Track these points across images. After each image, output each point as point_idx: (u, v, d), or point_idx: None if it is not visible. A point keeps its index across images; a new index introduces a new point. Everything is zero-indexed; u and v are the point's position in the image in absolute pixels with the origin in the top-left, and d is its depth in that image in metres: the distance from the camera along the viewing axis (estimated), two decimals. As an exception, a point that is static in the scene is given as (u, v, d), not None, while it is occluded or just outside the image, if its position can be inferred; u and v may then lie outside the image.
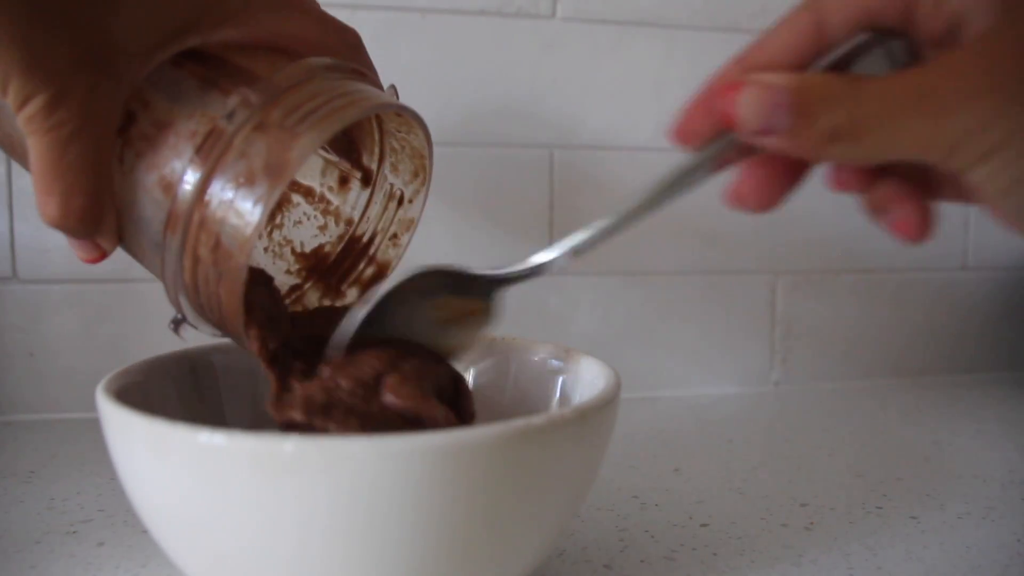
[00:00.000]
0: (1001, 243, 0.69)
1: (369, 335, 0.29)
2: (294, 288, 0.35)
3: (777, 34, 0.25)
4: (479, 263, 0.60)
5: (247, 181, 0.25)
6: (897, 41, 0.24)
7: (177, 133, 0.26)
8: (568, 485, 0.26)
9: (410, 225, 0.34)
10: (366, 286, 0.35)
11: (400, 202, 0.34)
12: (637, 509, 0.38)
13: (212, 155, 0.25)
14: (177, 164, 0.26)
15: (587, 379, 0.32)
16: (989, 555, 0.33)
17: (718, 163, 0.26)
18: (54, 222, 0.25)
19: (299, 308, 0.35)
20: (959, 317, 0.69)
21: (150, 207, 0.26)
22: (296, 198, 0.35)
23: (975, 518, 0.37)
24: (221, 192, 0.25)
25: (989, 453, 0.47)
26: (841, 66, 0.24)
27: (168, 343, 0.35)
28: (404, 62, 0.55)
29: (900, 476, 0.43)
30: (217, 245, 0.25)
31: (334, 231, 0.35)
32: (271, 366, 0.28)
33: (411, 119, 0.30)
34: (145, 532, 0.33)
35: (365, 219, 0.35)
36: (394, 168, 0.33)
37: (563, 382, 0.34)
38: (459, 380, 0.32)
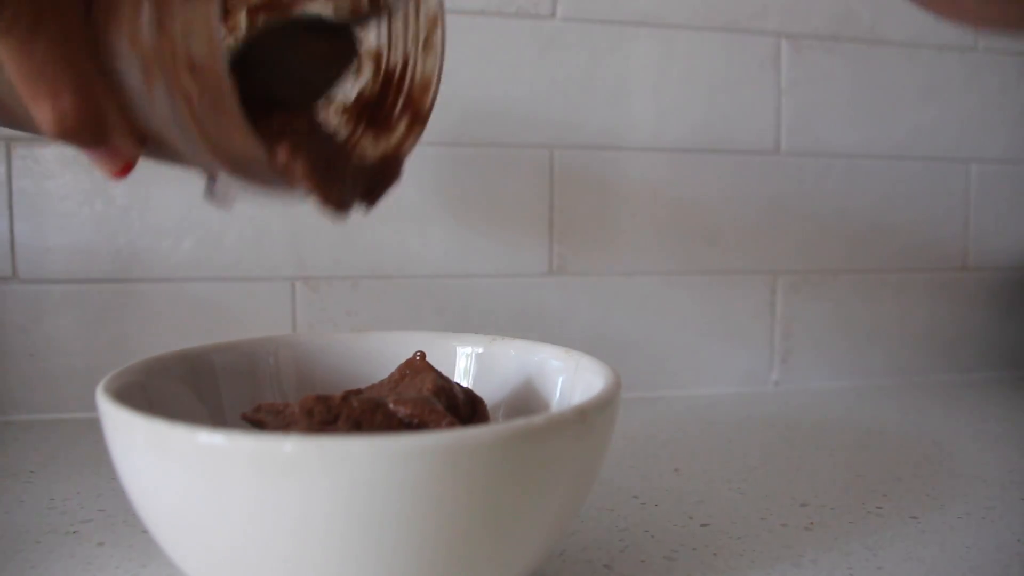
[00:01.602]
0: (1001, 243, 0.69)
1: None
2: (347, 138, 0.34)
3: None
4: (479, 265, 0.60)
5: None
6: None
7: None
8: (568, 485, 0.26)
9: (436, 21, 0.32)
10: (415, 110, 0.33)
11: (417, 1, 0.32)
12: (637, 509, 0.38)
13: None
14: (133, 11, 0.24)
15: (587, 379, 0.32)
16: (989, 555, 0.33)
17: None
18: (53, 128, 0.24)
19: (358, 151, 0.34)
20: (959, 317, 0.69)
21: (135, 74, 0.25)
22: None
23: (975, 518, 0.37)
24: (176, 12, 0.23)
25: (989, 453, 0.47)
26: None
27: (168, 343, 0.35)
28: (404, 62, 0.55)
29: (900, 476, 0.43)
30: (193, 67, 0.24)
31: (368, 71, 0.34)
32: (316, 184, 0.27)
33: None
34: (145, 532, 0.33)
35: (394, 39, 0.33)
36: None
37: (563, 382, 0.34)
38: (477, 402, 0.32)
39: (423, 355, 0.33)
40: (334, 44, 0.29)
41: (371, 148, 0.33)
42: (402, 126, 0.33)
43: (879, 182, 0.66)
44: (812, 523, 0.36)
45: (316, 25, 0.29)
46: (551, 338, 0.37)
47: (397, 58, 0.33)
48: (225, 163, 0.27)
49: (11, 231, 0.51)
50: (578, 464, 0.26)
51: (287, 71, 0.29)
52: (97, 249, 0.53)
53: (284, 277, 0.55)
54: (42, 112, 0.24)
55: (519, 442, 0.23)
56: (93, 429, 0.28)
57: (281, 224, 0.55)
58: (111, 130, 0.25)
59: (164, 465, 0.23)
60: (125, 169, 0.26)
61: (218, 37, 0.23)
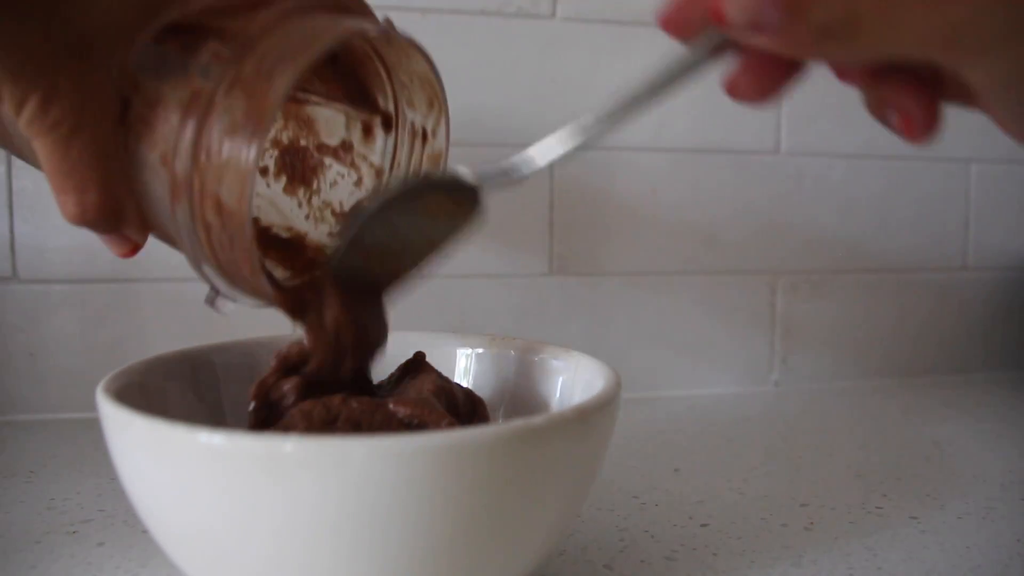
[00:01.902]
0: (1001, 243, 0.69)
1: (368, 238, 0.29)
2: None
3: None
4: (479, 265, 0.60)
5: (232, 135, 0.25)
6: None
7: (167, 106, 0.26)
8: (568, 485, 0.26)
9: (438, 159, 0.34)
10: None
11: (424, 138, 0.33)
12: (637, 509, 0.38)
13: (196, 117, 0.25)
14: (170, 135, 0.25)
15: (587, 379, 0.32)
16: (989, 555, 0.33)
17: (709, 57, 0.24)
18: (74, 219, 0.26)
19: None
20: (959, 317, 0.69)
21: (158, 186, 0.26)
22: (327, 160, 0.35)
23: (975, 518, 0.37)
24: (212, 152, 0.25)
25: (989, 453, 0.47)
26: None
27: (168, 343, 0.35)
28: (404, 62, 0.55)
29: (900, 476, 0.43)
30: (219, 206, 0.25)
31: (369, 185, 0.35)
32: (299, 317, 0.29)
33: (404, 44, 0.29)
34: (145, 532, 0.33)
35: (396, 164, 0.34)
36: (410, 103, 0.33)
37: (563, 382, 0.34)
38: (477, 402, 0.32)
39: (423, 355, 0.33)
40: (459, 201, 0.30)
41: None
42: None
43: (879, 182, 0.66)
44: (812, 523, 0.36)
45: (443, 184, 0.30)
46: (551, 338, 0.37)
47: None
48: (229, 282, 0.28)
49: (11, 231, 0.51)
50: (578, 464, 0.26)
51: (409, 227, 0.30)
52: (97, 249, 0.52)
53: (284, 277, 0.55)
54: (66, 204, 0.25)
55: (519, 442, 0.23)
56: (93, 429, 0.28)
57: (281, 224, 0.55)
58: (126, 223, 0.27)
59: (164, 465, 0.23)
60: (132, 252, 0.28)
61: (250, 191, 0.25)
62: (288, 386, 0.30)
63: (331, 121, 0.35)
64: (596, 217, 0.60)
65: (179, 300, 0.54)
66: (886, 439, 0.50)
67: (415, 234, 0.30)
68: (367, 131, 0.34)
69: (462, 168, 0.29)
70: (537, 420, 0.23)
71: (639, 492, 0.40)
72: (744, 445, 0.49)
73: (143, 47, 0.26)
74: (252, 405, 0.30)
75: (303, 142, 0.35)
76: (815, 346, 0.65)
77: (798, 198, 0.64)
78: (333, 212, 0.35)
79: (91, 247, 0.52)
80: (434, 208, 0.30)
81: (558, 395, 0.34)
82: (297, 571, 0.23)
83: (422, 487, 0.22)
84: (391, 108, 0.33)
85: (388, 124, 0.34)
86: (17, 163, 0.51)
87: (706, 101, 0.61)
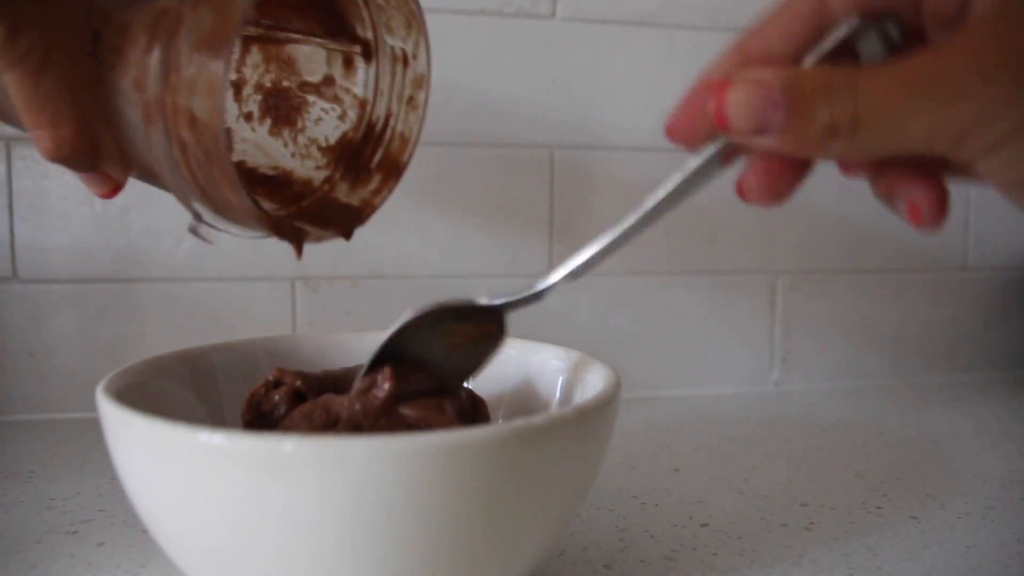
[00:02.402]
0: (1001, 243, 0.69)
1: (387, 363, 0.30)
2: (326, 180, 0.35)
3: (776, 19, 0.24)
4: (479, 265, 0.60)
5: (200, 47, 0.25)
6: (892, 22, 0.22)
7: (136, 31, 0.25)
8: (568, 485, 0.26)
9: (421, 82, 0.34)
10: (392, 164, 0.35)
11: (405, 61, 0.33)
12: (637, 509, 0.38)
13: (164, 35, 0.25)
14: (140, 58, 0.25)
15: (587, 379, 0.32)
16: (989, 555, 0.33)
17: (718, 163, 0.25)
18: (50, 155, 0.25)
19: (330, 199, 0.35)
20: (959, 317, 0.69)
21: (133, 114, 0.26)
22: (311, 98, 0.35)
23: (975, 518, 0.37)
24: (182, 67, 0.25)
25: (989, 453, 0.47)
26: (837, 53, 0.22)
27: (168, 343, 0.35)
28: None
29: (900, 476, 0.43)
30: (193, 121, 0.25)
31: (353, 117, 0.35)
32: (280, 233, 0.29)
33: None
34: (145, 532, 0.33)
35: (379, 92, 0.34)
36: (388, 28, 0.33)
37: (563, 382, 0.34)
38: (478, 402, 0.32)
39: None
40: (483, 327, 0.31)
41: (345, 195, 0.35)
42: (377, 178, 0.35)
43: (879, 182, 0.66)
44: (812, 523, 0.36)
45: (466, 312, 0.30)
46: (551, 338, 0.37)
47: (380, 111, 0.34)
48: (210, 206, 0.28)
49: (11, 231, 0.51)
50: (578, 464, 0.26)
51: (436, 354, 0.30)
52: (97, 249, 0.53)
53: (284, 277, 0.55)
54: (41, 139, 0.25)
55: (519, 442, 0.23)
56: (93, 429, 0.28)
57: (281, 224, 0.55)
58: (104, 158, 0.26)
59: (164, 465, 0.23)
60: (113, 192, 0.28)
61: (221, 100, 0.25)
62: (279, 396, 0.30)
63: (312, 58, 0.35)
64: (596, 217, 0.60)
65: (179, 300, 0.54)
66: (886, 439, 0.50)
67: (439, 361, 0.30)
68: (348, 64, 0.34)
69: (478, 297, 0.30)
70: (537, 420, 0.23)
71: (639, 492, 0.40)
72: (744, 445, 0.49)
73: None
74: (243, 417, 0.30)
75: (285, 83, 0.35)
76: (815, 346, 0.65)
77: (798, 198, 0.63)
78: (319, 147, 0.35)
79: (91, 247, 0.53)
80: (454, 337, 0.30)
81: (558, 395, 0.34)
82: (297, 571, 0.23)
83: (422, 487, 0.22)
84: (370, 35, 0.33)
85: (368, 53, 0.34)
86: (17, 163, 0.51)
87: (706, 101, 0.61)
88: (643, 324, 0.61)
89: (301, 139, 0.35)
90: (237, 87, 0.35)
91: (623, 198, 0.60)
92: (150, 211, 0.53)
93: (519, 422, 0.23)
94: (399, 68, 0.34)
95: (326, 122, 0.35)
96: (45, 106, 0.25)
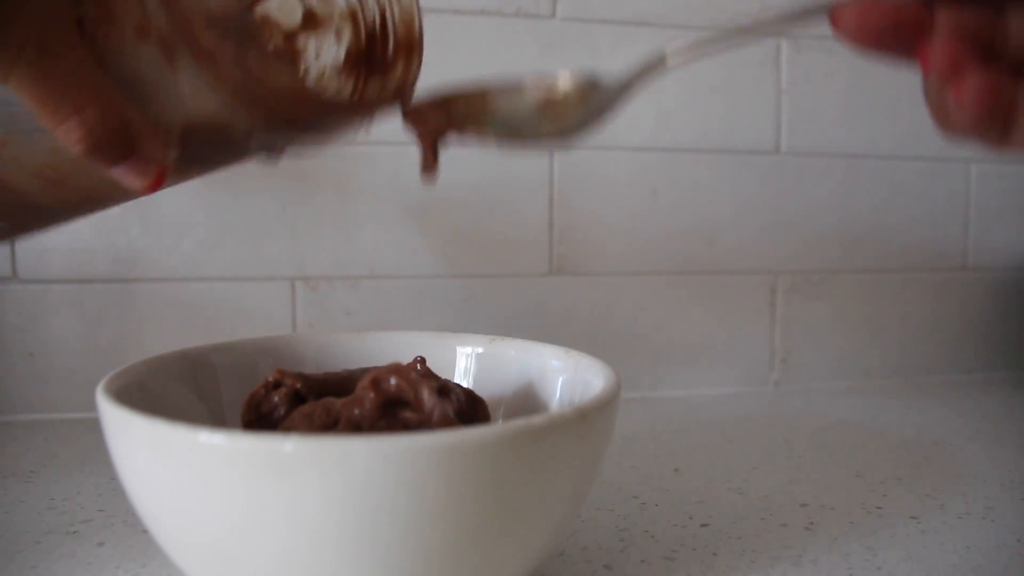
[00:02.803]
0: (1001, 243, 0.69)
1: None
2: (353, 91, 0.34)
3: None
4: (479, 265, 0.60)
5: None
6: None
7: None
8: (568, 485, 0.26)
9: None
10: (408, 44, 0.34)
11: None
12: (637, 509, 0.38)
13: None
14: (132, 4, 0.24)
15: (587, 379, 0.32)
16: (989, 555, 0.33)
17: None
18: (85, 142, 0.24)
19: (368, 98, 0.34)
20: (959, 317, 0.69)
21: (148, 66, 0.24)
22: (301, 42, 0.34)
23: (975, 518, 0.37)
24: None
25: (989, 453, 0.47)
26: None
27: (168, 343, 0.35)
28: (404, 62, 0.55)
29: (900, 476, 0.43)
30: (210, 19, 0.24)
31: (348, 31, 0.34)
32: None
33: None
34: (145, 532, 0.33)
35: None
36: None
37: (563, 382, 0.34)
38: (478, 402, 0.32)
39: (422, 360, 0.33)
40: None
41: (381, 90, 0.33)
42: (400, 64, 0.33)
43: (879, 182, 0.66)
44: (812, 523, 0.36)
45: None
46: (551, 338, 0.37)
47: (372, 11, 0.33)
48: (264, 112, 0.26)
49: (11, 231, 0.51)
50: (578, 464, 0.26)
51: None
52: (97, 249, 0.53)
53: (284, 277, 0.55)
54: (70, 131, 0.24)
55: (519, 442, 0.23)
56: (93, 429, 0.28)
57: (281, 224, 0.55)
58: (139, 136, 0.25)
59: (164, 465, 0.23)
60: (159, 179, 0.26)
61: None
62: (278, 397, 0.29)
63: (283, 6, 0.33)
64: (596, 217, 0.60)
65: (179, 300, 0.54)
66: (886, 439, 0.50)
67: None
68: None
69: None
70: (537, 420, 0.23)
71: (639, 492, 0.40)
72: (744, 445, 0.49)
73: None
74: (243, 419, 0.30)
75: (271, 46, 0.34)
76: (815, 346, 0.65)
77: (798, 198, 0.64)
78: (337, 72, 0.34)
79: (91, 247, 0.53)
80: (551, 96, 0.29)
81: (558, 395, 0.34)
82: (297, 571, 0.23)
83: (422, 487, 0.22)
84: None
85: None
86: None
87: (706, 101, 0.61)
88: (643, 324, 0.61)
89: (310, 79, 0.34)
90: None
91: (623, 198, 0.60)
92: (150, 211, 0.53)
93: (519, 422, 0.23)
94: None
95: (327, 51, 0.34)
96: (60, 94, 0.23)
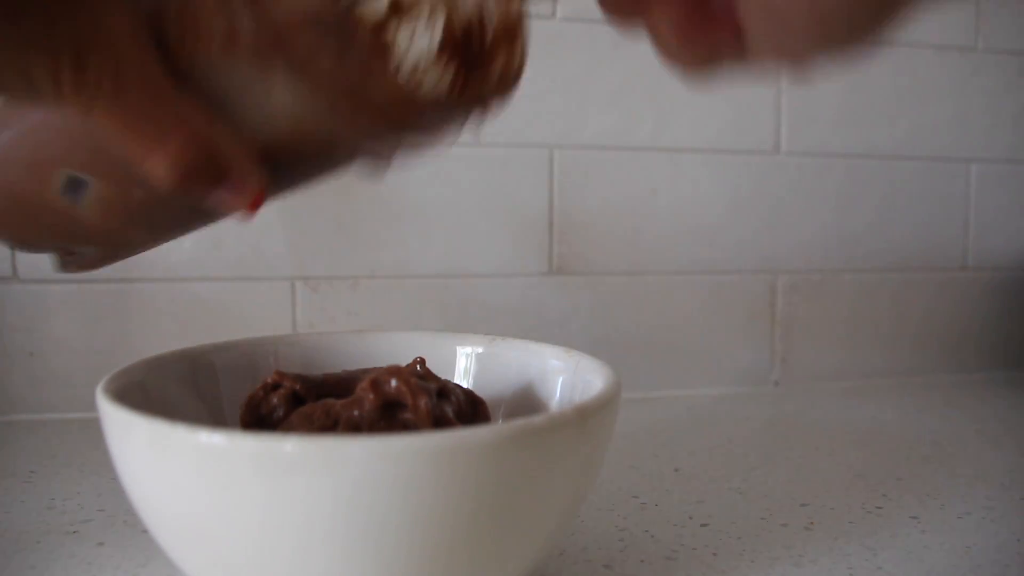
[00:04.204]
0: (1001, 243, 0.69)
1: None
2: (453, 85, 0.32)
3: None
4: (479, 265, 0.60)
5: None
6: None
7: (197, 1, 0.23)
8: (568, 485, 0.26)
9: None
10: (507, 33, 0.31)
11: None
12: (637, 509, 0.38)
13: None
14: (217, 10, 0.23)
15: (587, 379, 0.32)
16: (989, 555, 0.33)
17: None
18: (175, 174, 0.22)
19: (470, 92, 0.31)
20: (959, 317, 0.69)
21: (237, 77, 0.23)
22: (390, 34, 0.32)
23: (975, 518, 0.37)
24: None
25: (989, 453, 0.47)
26: None
27: (168, 343, 0.35)
28: (404, 62, 0.55)
29: (900, 476, 0.43)
30: (306, 18, 0.23)
31: (439, 14, 0.32)
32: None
33: None
34: (145, 532, 0.33)
35: None
36: None
37: (563, 382, 0.34)
38: (478, 402, 0.32)
39: (422, 360, 0.33)
40: None
41: (483, 83, 0.30)
42: (502, 51, 0.31)
43: (879, 182, 0.66)
44: (812, 523, 0.36)
45: None
46: (551, 338, 0.37)
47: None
48: (366, 117, 0.25)
49: (11, 231, 0.51)
50: (578, 464, 0.26)
51: None
52: (97, 249, 0.53)
53: (284, 277, 0.55)
54: (157, 163, 0.22)
55: (519, 442, 0.23)
56: (93, 429, 0.28)
57: (281, 224, 0.55)
58: (230, 157, 0.24)
59: (164, 465, 0.23)
60: (257, 200, 0.24)
61: None
62: (277, 399, 0.29)
63: None
64: (596, 217, 0.60)
65: (179, 300, 0.54)
66: (886, 439, 0.50)
67: None
68: None
69: None
70: (537, 420, 0.23)
71: (639, 492, 0.40)
72: (744, 445, 0.49)
73: None
74: (242, 421, 0.30)
75: (362, 42, 0.32)
76: (815, 346, 0.65)
77: (798, 198, 0.64)
78: (431, 62, 0.31)
79: (91, 247, 0.53)
80: None
81: (558, 395, 0.34)
82: (297, 571, 0.23)
83: (422, 487, 0.22)
84: None
85: None
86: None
87: (706, 101, 0.61)
88: (643, 324, 0.61)
89: (403, 75, 0.31)
90: None
91: (623, 198, 0.60)
92: (150, 211, 0.53)
93: (519, 422, 0.23)
94: None
95: (417, 41, 0.32)
96: (144, 124, 0.22)
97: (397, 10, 0.31)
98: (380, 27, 0.31)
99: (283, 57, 0.23)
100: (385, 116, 0.26)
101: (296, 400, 0.30)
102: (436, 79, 0.31)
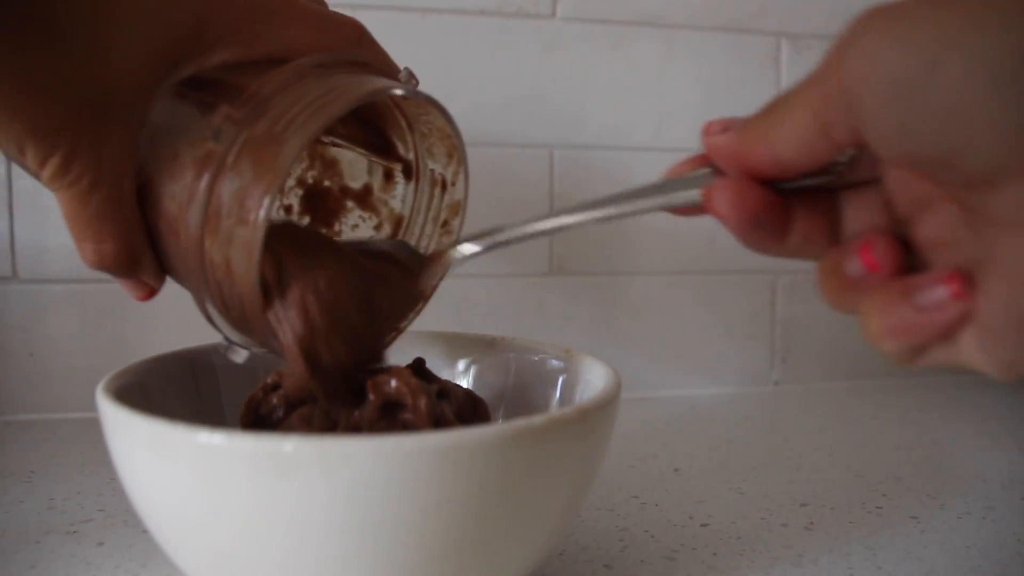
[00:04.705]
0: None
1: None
2: None
3: (782, 132, 0.23)
4: (479, 265, 0.60)
5: (240, 199, 0.25)
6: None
7: (183, 164, 0.26)
8: (568, 485, 0.26)
9: (457, 209, 0.34)
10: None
11: (444, 187, 0.34)
12: (637, 509, 0.38)
13: (208, 179, 0.25)
14: (183, 193, 0.26)
15: (587, 379, 0.32)
16: (989, 555, 0.33)
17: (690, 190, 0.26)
18: (93, 265, 0.27)
19: None
20: (959, 317, 0.69)
21: (172, 239, 0.27)
22: (349, 203, 0.35)
23: (975, 518, 0.37)
24: (222, 215, 0.25)
25: (989, 453, 0.47)
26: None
27: (168, 343, 0.35)
28: (404, 62, 0.55)
29: (900, 476, 0.43)
30: (229, 269, 0.25)
31: (388, 230, 0.35)
32: (320, 381, 0.28)
33: (420, 100, 0.30)
34: (145, 532, 0.33)
35: (416, 211, 0.34)
36: (429, 153, 0.33)
37: (563, 382, 0.34)
38: (478, 402, 0.32)
39: (422, 361, 0.33)
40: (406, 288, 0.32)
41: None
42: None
43: (879, 182, 0.66)
44: (812, 523, 0.36)
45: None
46: (551, 338, 0.37)
47: (416, 230, 0.34)
48: (242, 335, 0.29)
49: (11, 231, 0.51)
50: (578, 464, 0.26)
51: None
52: (97, 249, 0.53)
53: (284, 277, 0.55)
54: (84, 251, 0.27)
55: (519, 442, 0.23)
56: (93, 429, 0.28)
57: (281, 224, 0.55)
58: (143, 271, 0.28)
59: (164, 465, 0.23)
60: (148, 296, 0.29)
61: (258, 256, 0.25)
62: (276, 399, 0.29)
63: (354, 164, 0.35)
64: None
65: (179, 300, 0.54)
66: (886, 439, 0.50)
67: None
68: (388, 177, 0.35)
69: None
70: (537, 420, 0.23)
71: (639, 492, 0.40)
72: (744, 445, 0.49)
73: (161, 102, 0.26)
74: (241, 422, 0.30)
75: (327, 183, 0.35)
76: (815, 346, 0.65)
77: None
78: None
79: (91, 247, 0.53)
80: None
81: (558, 395, 0.34)
82: (297, 571, 0.23)
83: (422, 487, 0.22)
84: (411, 157, 0.34)
85: (408, 172, 0.34)
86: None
87: (706, 101, 0.61)
88: (643, 324, 0.61)
89: None
90: None
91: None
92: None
93: (519, 422, 0.23)
94: (437, 191, 0.34)
95: (362, 230, 0.35)
96: (91, 224, 0.26)
97: (366, 192, 0.36)
98: (347, 191, 0.36)
99: (200, 264, 0.26)
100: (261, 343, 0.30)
101: (296, 401, 0.30)
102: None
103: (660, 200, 0.26)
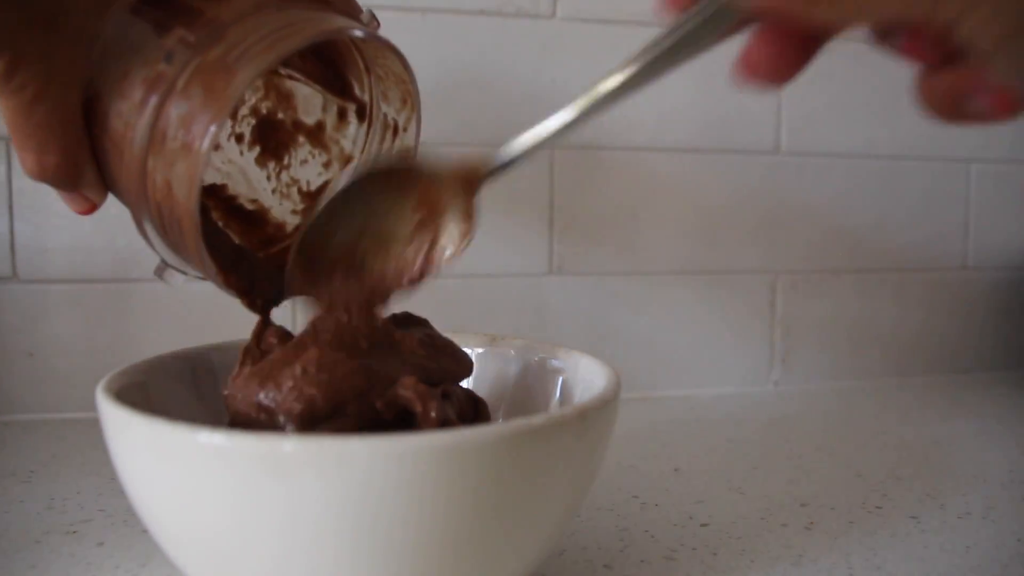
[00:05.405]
0: (1001, 243, 0.69)
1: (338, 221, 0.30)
2: (297, 227, 0.35)
3: None
4: (479, 265, 0.60)
5: (187, 124, 0.25)
6: None
7: (132, 82, 0.26)
8: (568, 485, 0.26)
9: (408, 153, 0.34)
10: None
11: (396, 132, 0.34)
12: (637, 509, 0.38)
13: (156, 99, 0.25)
14: (131, 112, 0.25)
15: (587, 379, 0.32)
16: (989, 555, 0.33)
17: (711, 31, 0.23)
18: (33, 176, 0.26)
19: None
20: (959, 317, 0.69)
21: (116, 156, 0.26)
22: (301, 138, 0.35)
23: (975, 518, 0.37)
24: (168, 137, 0.25)
25: (989, 453, 0.47)
26: None
27: (168, 343, 0.35)
28: (404, 62, 0.55)
29: (900, 476, 0.43)
30: (170, 191, 0.25)
31: (336, 169, 0.35)
32: (247, 299, 0.30)
33: (377, 44, 0.29)
34: (145, 532, 0.33)
35: (366, 152, 0.34)
36: (384, 97, 0.33)
37: (563, 382, 0.34)
38: (478, 402, 0.32)
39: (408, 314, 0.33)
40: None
41: None
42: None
43: (879, 182, 0.66)
44: (812, 523, 0.36)
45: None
46: (551, 338, 0.37)
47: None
48: (178, 257, 0.29)
49: (11, 231, 0.51)
50: (578, 464, 0.26)
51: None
52: (97, 249, 0.53)
53: (284, 277, 0.55)
54: (25, 160, 0.26)
55: (519, 442, 0.23)
56: (93, 429, 0.28)
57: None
58: (84, 184, 0.28)
59: (164, 465, 0.23)
60: (89, 210, 0.29)
61: (198, 182, 0.25)
62: (274, 339, 0.30)
63: (309, 99, 0.35)
64: (596, 216, 0.60)
65: (179, 300, 0.54)
66: (886, 439, 0.50)
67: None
68: (342, 116, 0.35)
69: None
70: (537, 420, 0.23)
71: (639, 492, 0.40)
72: (744, 445, 0.49)
73: (116, 17, 0.26)
74: (239, 371, 0.30)
75: (280, 115, 0.35)
76: (815, 346, 0.65)
77: (798, 198, 0.64)
78: (299, 190, 0.36)
79: (91, 247, 0.52)
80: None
81: (558, 395, 0.34)
82: (297, 571, 0.23)
83: (422, 487, 0.22)
84: (366, 98, 0.33)
85: (362, 113, 0.34)
86: (17, 163, 0.51)
87: (706, 101, 0.61)
88: (643, 324, 0.61)
89: (284, 177, 0.36)
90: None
91: (623, 198, 0.60)
92: (150, 211, 0.53)
93: (519, 422, 0.23)
94: (388, 135, 0.34)
95: (310, 167, 0.36)
96: (34, 133, 0.25)
97: (318, 128, 0.35)
98: (299, 126, 0.37)
99: (143, 183, 0.26)
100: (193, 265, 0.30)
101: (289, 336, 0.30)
102: (293, 208, 0.36)
103: (675, 61, 0.24)
